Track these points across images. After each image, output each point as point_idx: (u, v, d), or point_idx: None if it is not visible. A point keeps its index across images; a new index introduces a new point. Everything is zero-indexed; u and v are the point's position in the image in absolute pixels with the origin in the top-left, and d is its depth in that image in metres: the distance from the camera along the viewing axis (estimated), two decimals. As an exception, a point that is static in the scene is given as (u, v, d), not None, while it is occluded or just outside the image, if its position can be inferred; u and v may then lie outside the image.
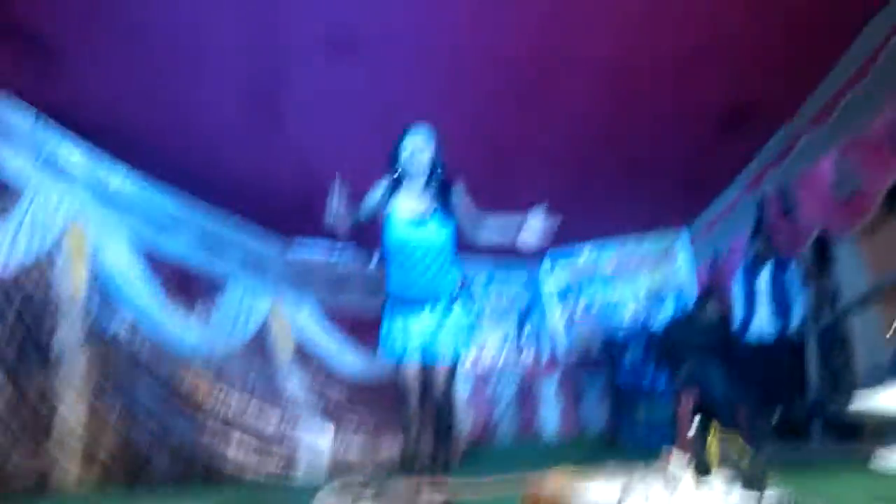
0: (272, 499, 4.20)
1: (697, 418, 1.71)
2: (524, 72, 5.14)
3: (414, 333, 3.65)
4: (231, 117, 5.21)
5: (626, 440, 7.31)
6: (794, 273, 5.82)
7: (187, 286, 5.73)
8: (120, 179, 5.32)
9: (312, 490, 3.57)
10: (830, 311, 5.71)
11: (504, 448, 7.49)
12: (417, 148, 3.70)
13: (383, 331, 3.74)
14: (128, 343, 5.17)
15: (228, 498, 4.25)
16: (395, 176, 3.75)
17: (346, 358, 6.52)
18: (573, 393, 8.21)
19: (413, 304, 3.67)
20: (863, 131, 4.96)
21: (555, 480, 1.70)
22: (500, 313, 8.27)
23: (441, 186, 3.75)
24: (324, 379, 6.24)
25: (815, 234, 5.75)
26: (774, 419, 5.41)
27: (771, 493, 1.49)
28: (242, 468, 5.36)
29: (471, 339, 3.85)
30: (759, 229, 6.25)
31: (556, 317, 8.32)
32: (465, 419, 7.36)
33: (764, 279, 5.90)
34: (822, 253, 5.93)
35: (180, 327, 5.53)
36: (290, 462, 5.60)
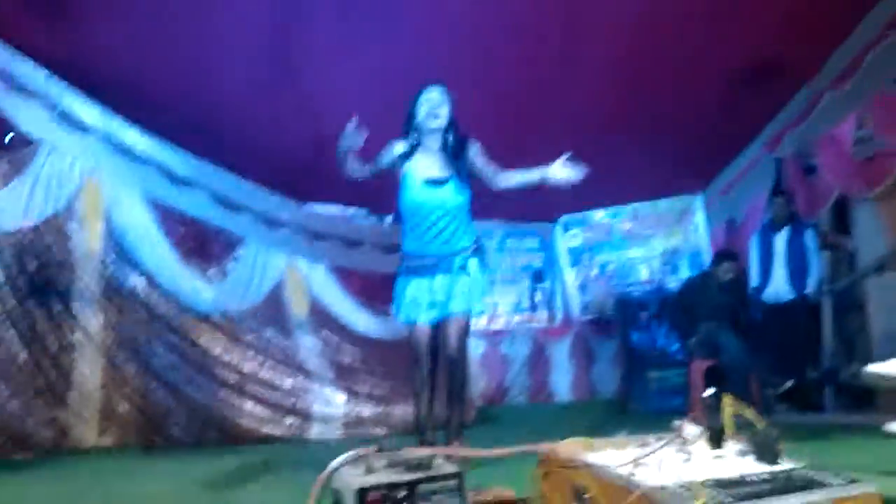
0: (287, 458, 4.25)
1: (710, 389, 1.69)
2: (543, 28, 5.04)
3: (428, 294, 3.65)
4: (244, 75, 5.17)
5: (638, 405, 7.34)
6: (811, 236, 5.76)
7: (203, 243, 5.75)
8: (135, 136, 5.32)
9: (327, 450, 3.63)
10: (847, 276, 5.66)
11: (515, 411, 7.54)
12: (433, 106, 3.66)
13: (397, 292, 3.75)
14: (144, 299, 5.21)
15: (245, 458, 4.32)
16: (411, 135, 3.73)
17: (361, 318, 6.55)
18: (585, 356, 8.23)
19: (428, 265, 3.66)
20: (886, 91, 4.85)
21: (568, 449, 1.71)
22: (514, 276, 8.27)
23: (457, 146, 3.72)
24: (338, 339, 6.27)
25: (834, 195, 5.67)
26: (787, 387, 5.41)
27: (784, 462, 1.48)
28: (257, 427, 5.42)
29: (484, 299, 3.86)
30: (777, 190, 6.16)
31: (569, 279, 8.31)
32: (478, 381, 7.40)
33: (781, 241, 5.84)
34: (841, 216, 5.86)
35: (196, 284, 5.56)
36: (304, 421, 5.66)
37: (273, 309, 6.02)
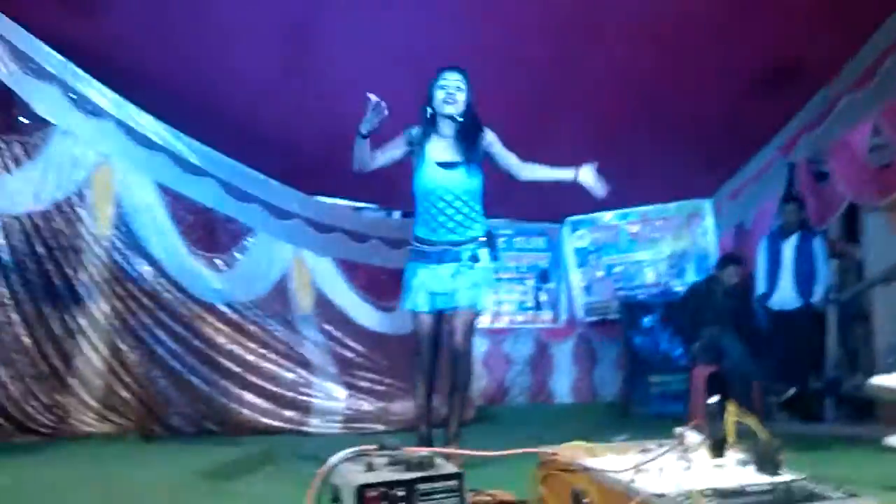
0: (286, 451, 4.26)
1: (713, 396, 1.69)
2: (561, 25, 5.02)
3: (436, 281, 3.63)
4: (259, 65, 5.17)
5: (639, 409, 7.32)
6: (820, 244, 5.72)
7: (212, 232, 5.75)
8: (148, 123, 5.32)
9: (327, 443, 3.63)
10: (854, 286, 5.63)
11: (515, 411, 7.51)
12: (451, 89, 3.65)
13: (405, 278, 3.74)
14: (150, 286, 5.22)
15: (244, 449, 4.33)
16: (428, 119, 3.72)
17: (365, 313, 6.54)
18: (588, 358, 8.20)
19: (436, 252, 3.64)
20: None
21: (568, 454, 1.70)
22: (519, 275, 8.24)
23: (472, 132, 3.71)
24: (342, 333, 6.27)
25: (846, 203, 5.58)
26: (789, 396, 5.38)
27: (785, 473, 1.48)
28: (258, 419, 5.44)
29: (491, 292, 3.84)
30: (789, 196, 6.11)
31: (575, 280, 8.28)
32: (479, 379, 7.38)
33: (789, 248, 5.81)
34: (850, 224, 5.82)
35: (203, 273, 5.57)
36: (304, 414, 5.67)
37: (278, 301, 6.01)
